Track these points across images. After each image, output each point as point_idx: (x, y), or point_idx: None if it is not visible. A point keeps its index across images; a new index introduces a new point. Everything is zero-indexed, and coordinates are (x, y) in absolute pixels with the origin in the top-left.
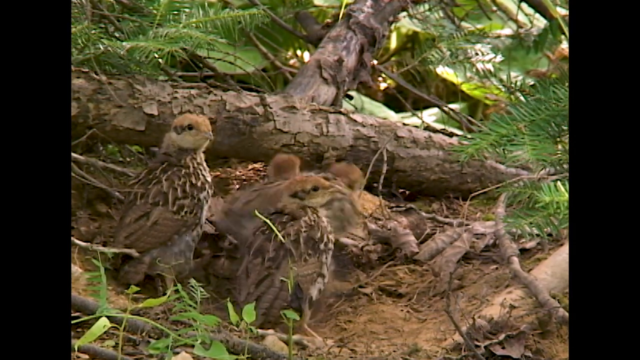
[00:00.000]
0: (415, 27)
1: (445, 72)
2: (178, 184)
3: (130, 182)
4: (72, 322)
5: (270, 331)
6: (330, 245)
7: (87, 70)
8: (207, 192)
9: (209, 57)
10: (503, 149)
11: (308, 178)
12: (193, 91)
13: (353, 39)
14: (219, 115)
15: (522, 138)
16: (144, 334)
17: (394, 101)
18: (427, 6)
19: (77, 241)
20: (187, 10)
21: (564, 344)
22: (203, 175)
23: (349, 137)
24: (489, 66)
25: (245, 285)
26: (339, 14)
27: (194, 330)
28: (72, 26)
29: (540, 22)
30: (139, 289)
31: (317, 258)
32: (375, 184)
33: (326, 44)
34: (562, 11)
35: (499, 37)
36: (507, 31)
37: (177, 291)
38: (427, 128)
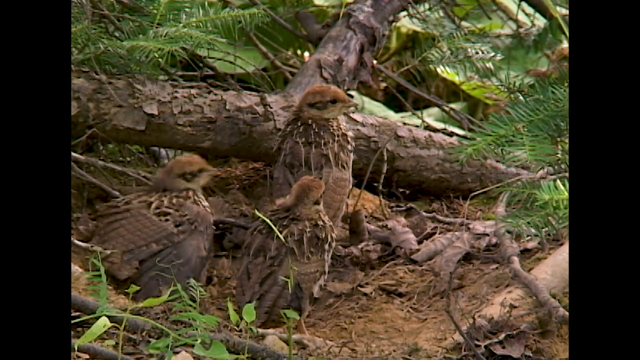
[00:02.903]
0: (416, 26)
1: (445, 71)
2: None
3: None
4: (72, 321)
5: (271, 330)
6: (334, 244)
7: (87, 69)
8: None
9: (209, 57)
10: (502, 150)
11: (319, 183)
12: (193, 91)
13: (353, 39)
14: (219, 115)
15: (521, 139)
16: (144, 333)
17: (394, 101)
18: (427, 6)
19: (77, 241)
20: (187, 9)
21: (564, 343)
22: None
23: None
24: (489, 65)
25: (248, 285)
26: (339, 14)
27: (194, 329)
28: (72, 26)
29: (540, 22)
30: (139, 288)
31: (320, 256)
32: (375, 184)
33: (326, 44)
34: (562, 11)
35: (499, 36)
36: (507, 31)
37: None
38: (427, 127)
